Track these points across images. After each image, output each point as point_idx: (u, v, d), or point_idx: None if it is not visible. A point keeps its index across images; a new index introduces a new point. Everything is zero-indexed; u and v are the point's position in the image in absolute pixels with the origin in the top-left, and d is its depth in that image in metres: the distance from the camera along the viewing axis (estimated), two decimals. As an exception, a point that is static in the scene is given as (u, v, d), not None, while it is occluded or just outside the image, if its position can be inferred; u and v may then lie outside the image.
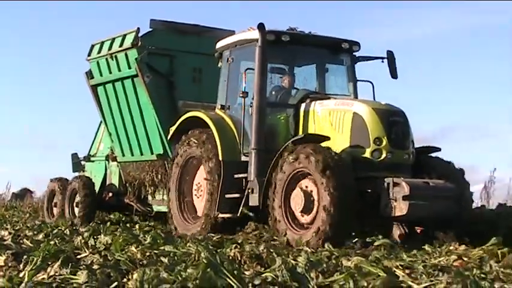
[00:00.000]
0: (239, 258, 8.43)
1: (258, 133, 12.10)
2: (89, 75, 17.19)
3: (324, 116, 12.10)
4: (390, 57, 13.09)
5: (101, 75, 16.83)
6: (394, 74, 13.12)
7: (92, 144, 18.76)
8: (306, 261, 7.89)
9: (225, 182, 12.62)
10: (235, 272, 6.85)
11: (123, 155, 16.91)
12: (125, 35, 15.90)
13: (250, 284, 6.70)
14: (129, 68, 15.78)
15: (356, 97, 13.05)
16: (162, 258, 8.29)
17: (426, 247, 10.08)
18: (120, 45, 15.92)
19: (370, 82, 13.18)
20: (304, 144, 11.32)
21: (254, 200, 12.00)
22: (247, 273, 7.31)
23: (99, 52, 16.76)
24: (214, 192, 12.72)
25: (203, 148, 13.05)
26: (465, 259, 8.81)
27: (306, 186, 11.17)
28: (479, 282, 6.74)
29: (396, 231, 12.00)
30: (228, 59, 13.35)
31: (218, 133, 12.88)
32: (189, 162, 13.63)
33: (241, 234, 12.35)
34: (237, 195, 12.45)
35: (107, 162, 17.95)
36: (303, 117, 12.44)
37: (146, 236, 10.87)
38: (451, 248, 9.80)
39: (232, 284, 6.55)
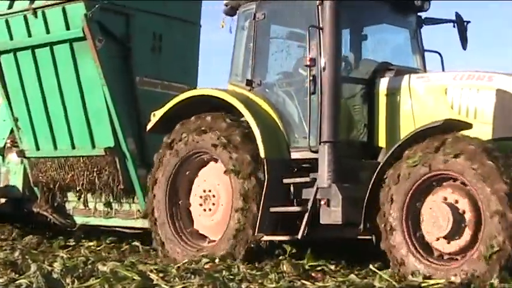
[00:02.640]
0: (-8, 266, 8.14)
1: (333, 119, 8.37)
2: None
3: (432, 95, 8.54)
4: (460, 21, 9.76)
5: (11, 38, 12.18)
6: (464, 43, 9.82)
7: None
8: (61, 266, 8.00)
9: (269, 189, 8.79)
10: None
11: (38, 149, 12.36)
12: (59, -17, 11.51)
13: (5, 292, 6.52)
14: (68, 28, 11.39)
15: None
16: None
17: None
18: (53, -4, 11.52)
19: (438, 53, 9.90)
20: (446, 135, 7.75)
21: (334, 215, 8.23)
22: (0, 280, 7.21)
23: (10, 7, 12.13)
24: (252, 205, 8.86)
25: (227, 141, 9.09)
26: (216, 261, 8.85)
27: (456, 201, 7.57)
28: (227, 283, 7.11)
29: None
30: (254, 15, 9.50)
31: (255, 119, 9.04)
32: (187, 162, 9.67)
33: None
34: (296, 209, 8.70)
35: (0, 157, 13.26)
36: (386, 97, 8.84)
37: None
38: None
39: (-14, 292, 6.36)
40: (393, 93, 8.81)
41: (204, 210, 9.46)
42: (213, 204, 9.39)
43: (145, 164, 11.36)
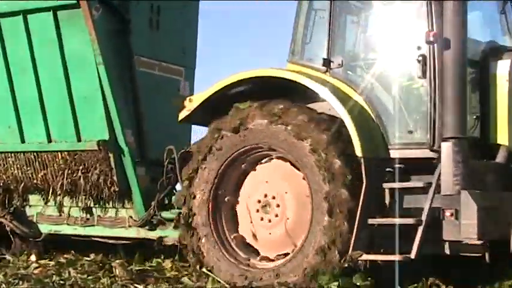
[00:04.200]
0: None
1: (460, 109, 6.72)
2: None
3: None
4: None
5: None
6: None
7: None
8: None
9: (368, 196, 6.95)
10: None
11: (-2, 141, 10.00)
12: None
13: None
14: (49, -8, 9.18)
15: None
16: None
17: (7, 257, 9.84)
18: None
19: None
20: None
21: (466, 231, 6.52)
22: None
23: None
24: (345, 215, 6.95)
25: (307, 137, 7.15)
26: (46, 268, 8.67)
27: None
28: (59, 288, 7.00)
29: None
30: None
31: (348, 109, 7.14)
32: (241, 160, 7.72)
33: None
34: (407, 221, 6.79)
35: None
36: (509, 84, 7.16)
37: None
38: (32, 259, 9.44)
39: None
40: None
41: (261, 217, 7.62)
42: (276, 216, 7.47)
43: (144, 160, 9.37)
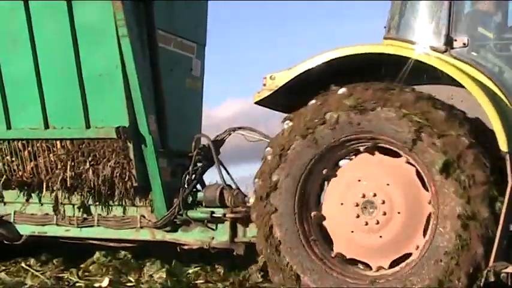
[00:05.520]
0: None
1: None
2: None
3: None
4: None
5: None
6: None
7: None
8: None
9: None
10: None
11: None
12: None
13: None
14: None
15: None
16: None
17: None
18: None
19: None
20: None
21: None
22: None
23: None
24: (486, 219, 5.89)
25: (432, 126, 6.01)
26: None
27: None
28: None
29: None
30: None
31: (488, 97, 6.07)
32: (334, 151, 6.50)
33: None
34: None
35: None
36: None
37: None
38: None
39: None
40: None
41: (366, 223, 6.33)
42: (380, 219, 6.32)
43: (167, 151, 8.08)
